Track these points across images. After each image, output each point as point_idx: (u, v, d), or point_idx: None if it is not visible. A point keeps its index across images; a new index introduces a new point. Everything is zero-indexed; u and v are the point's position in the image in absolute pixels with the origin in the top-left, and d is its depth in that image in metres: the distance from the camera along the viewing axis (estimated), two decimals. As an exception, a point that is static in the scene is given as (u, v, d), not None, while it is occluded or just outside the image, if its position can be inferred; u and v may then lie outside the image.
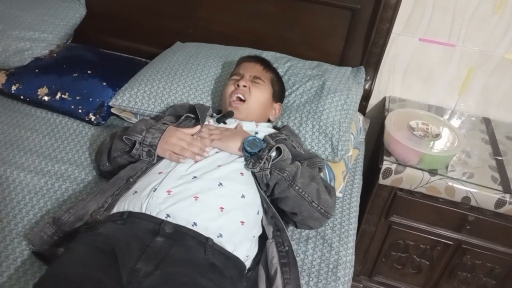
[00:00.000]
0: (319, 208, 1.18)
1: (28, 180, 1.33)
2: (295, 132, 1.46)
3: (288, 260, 1.07)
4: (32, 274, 1.05)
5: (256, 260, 1.13)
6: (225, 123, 1.34)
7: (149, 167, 1.21)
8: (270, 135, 1.30)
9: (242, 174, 1.17)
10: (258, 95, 1.39)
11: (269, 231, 1.15)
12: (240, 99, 1.37)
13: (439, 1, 1.66)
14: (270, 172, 1.15)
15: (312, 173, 1.22)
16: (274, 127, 1.47)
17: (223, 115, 1.36)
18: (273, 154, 1.17)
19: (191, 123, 1.36)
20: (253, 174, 1.19)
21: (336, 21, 1.75)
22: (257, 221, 1.16)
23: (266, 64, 1.49)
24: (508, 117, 1.84)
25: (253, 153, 1.18)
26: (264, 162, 1.15)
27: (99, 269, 0.90)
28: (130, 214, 1.06)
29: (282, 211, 1.22)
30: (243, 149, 1.20)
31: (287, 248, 1.09)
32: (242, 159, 1.22)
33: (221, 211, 1.07)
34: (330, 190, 1.24)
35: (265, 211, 1.19)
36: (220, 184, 1.11)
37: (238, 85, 1.38)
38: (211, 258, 1.00)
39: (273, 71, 1.50)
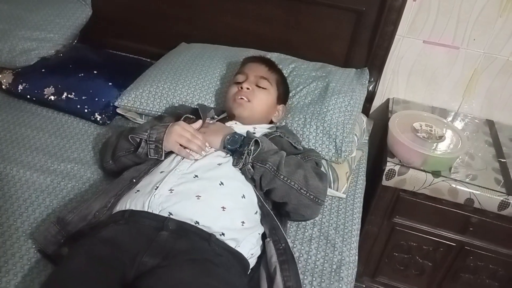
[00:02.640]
0: (308, 194, 1.17)
1: (34, 179, 1.34)
2: (291, 131, 1.46)
3: (286, 257, 1.07)
4: (38, 272, 1.06)
5: (259, 260, 1.14)
6: None
7: (152, 168, 1.22)
8: (265, 134, 1.30)
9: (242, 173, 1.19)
10: (262, 98, 1.39)
11: (267, 230, 1.15)
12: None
13: (444, 3, 1.66)
14: (252, 166, 1.15)
15: (299, 161, 1.22)
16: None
17: (223, 118, 1.36)
18: (253, 147, 1.17)
19: (190, 122, 1.36)
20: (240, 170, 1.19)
21: (340, 23, 1.75)
22: (257, 221, 1.16)
23: (271, 65, 1.48)
24: (512, 120, 1.85)
25: (234, 150, 1.19)
26: (246, 157, 1.15)
27: (97, 284, 0.90)
28: (132, 213, 1.07)
29: (278, 208, 1.22)
30: (224, 147, 1.20)
31: (283, 245, 1.09)
32: None
33: (223, 210, 1.08)
34: (321, 176, 1.23)
35: (262, 211, 1.18)
36: (221, 183, 1.12)
37: (241, 88, 1.38)
38: (217, 249, 1.02)
39: (278, 72, 1.50)
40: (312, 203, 1.19)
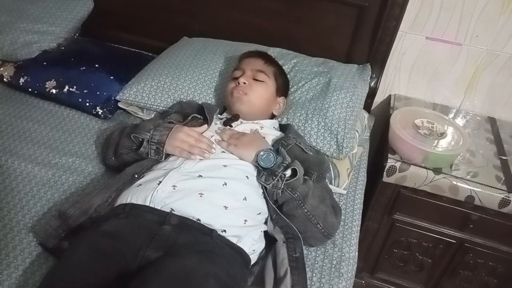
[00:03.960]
0: (323, 230, 1.17)
1: (35, 172, 1.34)
2: (299, 133, 1.45)
3: (297, 265, 1.07)
4: (39, 265, 1.07)
5: (261, 255, 1.15)
6: (231, 126, 1.34)
7: (155, 164, 1.22)
8: (280, 140, 1.30)
9: (247, 177, 1.18)
10: (260, 91, 1.39)
11: (278, 235, 1.15)
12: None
13: (447, -1, 1.66)
14: (281, 191, 1.15)
15: (323, 193, 1.21)
16: (280, 125, 1.48)
17: (229, 118, 1.36)
18: (288, 173, 1.16)
19: (197, 123, 1.36)
20: (265, 187, 1.18)
21: (342, 18, 1.75)
22: (259, 220, 1.16)
23: (268, 58, 1.49)
24: (513, 117, 1.84)
25: (266, 168, 1.18)
26: (278, 180, 1.14)
27: (98, 275, 0.91)
28: (133, 206, 1.07)
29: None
30: (256, 162, 1.19)
31: (298, 254, 1.10)
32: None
33: (225, 209, 1.08)
34: (336, 211, 1.23)
35: (275, 220, 1.18)
36: (225, 183, 1.12)
37: (238, 83, 1.38)
38: (219, 243, 1.02)
39: (275, 64, 1.50)
40: (323, 237, 1.19)
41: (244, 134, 1.28)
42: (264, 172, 1.17)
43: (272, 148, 1.24)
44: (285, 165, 1.16)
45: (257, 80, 1.40)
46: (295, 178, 1.14)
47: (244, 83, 1.38)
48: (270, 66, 1.46)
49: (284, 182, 1.14)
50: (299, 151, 1.32)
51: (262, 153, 1.18)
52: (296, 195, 1.14)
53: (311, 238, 1.20)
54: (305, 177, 1.20)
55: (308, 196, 1.15)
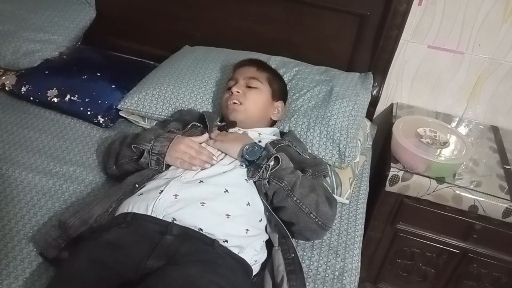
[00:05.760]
0: (316, 220, 1.16)
1: (36, 181, 1.34)
2: (299, 138, 1.45)
3: (294, 267, 1.06)
4: (39, 275, 1.06)
5: (262, 266, 1.14)
6: (227, 132, 1.33)
7: (156, 174, 1.22)
8: (272, 142, 1.30)
9: (246, 180, 1.18)
10: (255, 98, 1.39)
11: (274, 238, 1.14)
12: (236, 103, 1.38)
13: (449, 8, 1.65)
14: (268, 181, 1.15)
15: (313, 183, 1.20)
16: (280, 133, 1.47)
17: (225, 125, 1.36)
18: (272, 163, 1.15)
19: (197, 130, 1.36)
20: (254, 182, 1.19)
21: (344, 27, 1.75)
22: (261, 228, 1.16)
23: (260, 65, 1.49)
24: (516, 126, 1.83)
25: (251, 161, 1.18)
26: (263, 171, 1.14)
27: (99, 287, 0.90)
28: (134, 216, 1.06)
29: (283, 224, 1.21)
30: (241, 156, 1.19)
31: (292, 255, 1.09)
32: None
33: (227, 218, 1.07)
34: (331, 201, 1.22)
35: (268, 220, 1.18)
36: (226, 190, 1.12)
37: (232, 92, 1.39)
38: (221, 253, 1.02)
39: (269, 70, 1.50)
40: (319, 228, 1.18)
41: (232, 133, 1.29)
42: (251, 167, 1.17)
43: (257, 142, 1.24)
44: (269, 156, 1.16)
45: (250, 87, 1.40)
46: (278, 166, 1.14)
47: (238, 92, 1.38)
48: (263, 72, 1.46)
49: (269, 172, 1.14)
50: (295, 153, 1.32)
51: (247, 146, 1.19)
52: (283, 184, 1.13)
53: (306, 230, 1.19)
54: (296, 170, 1.20)
55: (296, 185, 1.14)
